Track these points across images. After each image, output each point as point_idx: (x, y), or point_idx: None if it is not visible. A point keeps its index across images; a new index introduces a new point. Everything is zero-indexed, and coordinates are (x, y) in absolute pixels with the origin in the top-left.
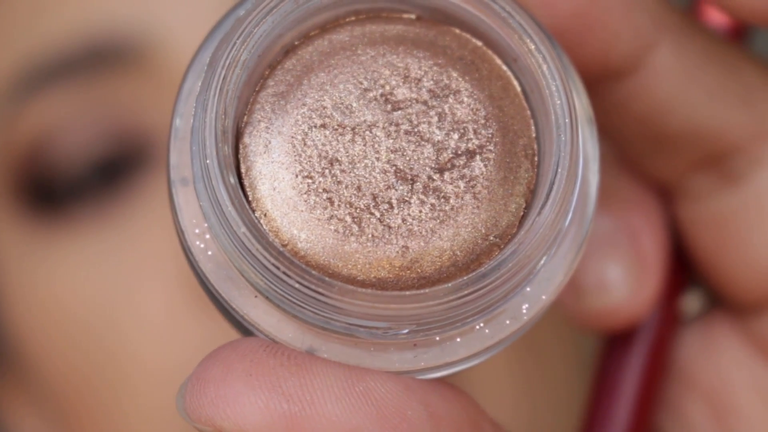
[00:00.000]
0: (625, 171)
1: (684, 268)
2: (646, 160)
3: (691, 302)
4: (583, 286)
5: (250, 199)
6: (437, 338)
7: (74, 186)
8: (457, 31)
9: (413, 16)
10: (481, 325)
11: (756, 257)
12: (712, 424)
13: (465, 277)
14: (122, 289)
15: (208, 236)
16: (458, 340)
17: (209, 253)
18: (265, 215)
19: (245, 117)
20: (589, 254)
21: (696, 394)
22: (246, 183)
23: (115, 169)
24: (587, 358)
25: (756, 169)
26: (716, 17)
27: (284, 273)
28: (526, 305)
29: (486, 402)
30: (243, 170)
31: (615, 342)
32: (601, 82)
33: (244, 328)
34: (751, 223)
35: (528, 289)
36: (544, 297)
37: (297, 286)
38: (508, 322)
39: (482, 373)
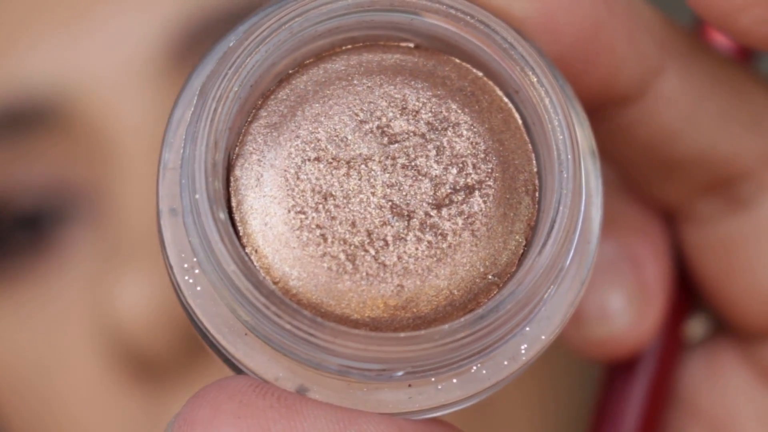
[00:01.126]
0: (629, 196)
1: (689, 293)
2: (651, 185)
3: (696, 327)
4: (585, 314)
5: (240, 234)
6: (433, 379)
7: None
8: (457, 60)
9: (412, 45)
10: (479, 365)
11: (762, 284)
12: None
13: (462, 319)
14: (48, 343)
15: (197, 271)
16: (455, 381)
17: (198, 288)
18: (256, 251)
19: (237, 149)
20: (592, 282)
21: (700, 422)
22: (237, 218)
23: (40, 224)
24: (589, 386)
25: (764, 195)
26: (722, 41)
27: (274, 313)
28: (525, 345)
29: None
30: (234, 204)
31: (618, 369)
32: (606, 107)
33: (234, 366)
34: (758, 249)
35: (527, 329)
36: (543, 337)
37: (288, 327)
38: (506, 363)
39: (481, 402)
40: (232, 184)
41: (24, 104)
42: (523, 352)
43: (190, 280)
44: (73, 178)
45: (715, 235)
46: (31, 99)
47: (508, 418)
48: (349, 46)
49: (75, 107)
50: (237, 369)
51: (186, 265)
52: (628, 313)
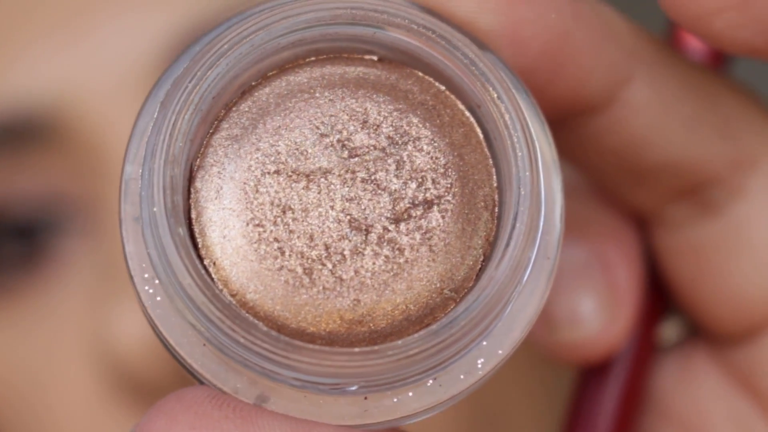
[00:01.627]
0: (600, 200)
1: (661, 297)
2: (622, 191)
3: (669, 331)
4: (555, 318)
5: (199, 246)
6: (388, 393)
7: None
8: (420, 74)
9: (375, 58)
10: (434, 379)
11: (734, 288)
12: None
13: (416, 335)
14: (43, 357)
15: (156, 281)
16: (410, 394)
17: (158, 299)
18: (214, 264)
19: (198, 160)
20: (562, 286)
21: (672, 425)
22: (196, 229)
23: (35, 237)
24: (561, 391)
25: (735, 200)
26: (695, 45)
27: (229, 326)
28: (482, 360)
29: None
30: (194, 216)
31: (590, 373)
32: (574, 116)
33: (194, 376)
34: (729, 253)
35: (484, 343)
36: (500, 351)
37: (242, 341)
38: (462, 377)
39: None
40: (192, 196)
41: (18, 117)
42: (479, 366)
43: (150, 290)
44: (68, 191)
45: (686, 240)
46: (26, 112)
47: (472, 425)
48: (313, 58)
49: (70, 120)
50: (198, 379)
51: (146, 275)
52: (599, 318)
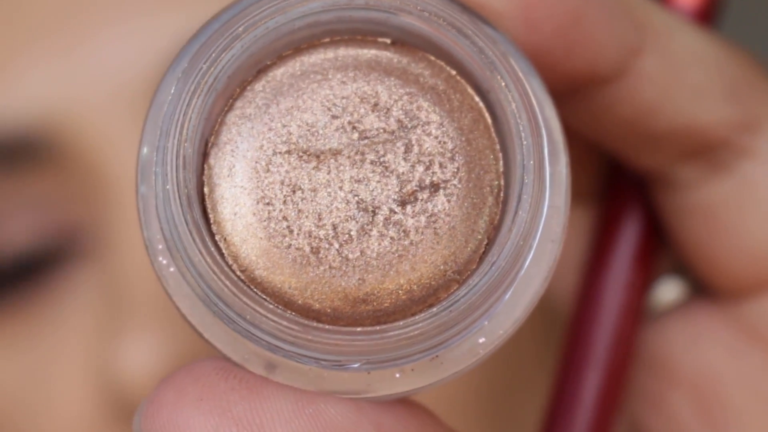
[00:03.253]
0: None
1: (649, 264)
2: (631, 156)
3: (668, 292)
4: None
5: (211, 222)
6: (391, 369)
7: None
8: (432, 57)
9: (388, 41)
10: (436, 357)
11: (744, 243)
12: (699, 418)
13: (417, 316)
14: (45, 383)
15: (170, 254)
16: (412, 370)
17: (171, 269)
18: (224, 240)
19: (212, 137)
20: None
21: (681, 389)
22: (208, 206)
23: (35, 262)
24: (548, 361)
25: (743, 160)
26: (683, 2)
27: (237, 303)
28: (483, 339)
29: (446, 411)
30: (206, 192)
31: (573, 346)
32: (585, 89)
33: (206, 342)
34: (739, 211)
35: (486, 323)
36: (501, 331)
37: (249, 317)
38: (463, 354)
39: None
40: (206, 173)
41: (16, 138)
42: (480, 344)
43: (164, 261)
44: (69, 213)
45: (696, 198)
46: (23, 132)
47: (464, 400)
48: (327, 39)
49: (69, 142)
50: (210, 346)
51: (160, 247)
52: None
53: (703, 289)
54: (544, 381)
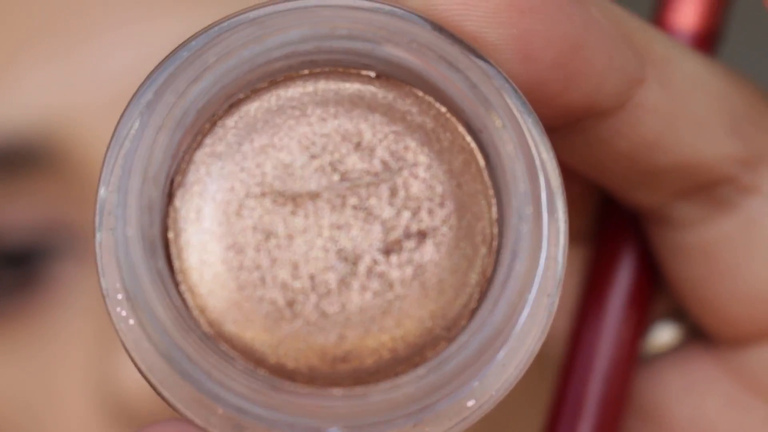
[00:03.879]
0: None
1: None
2: (629, 192)
3: (662, 338)
4: None
5: (176, 270)
6: None
7: None
8: (420, 93)
9: (373, 74)
10: (420, 422)
11: (747, 286)
12: None
13: (402, 378)
14: (40, 385)
15: (129, 305)
16: None
17: (131, 322)
18: (191, 290)
19: (179, 177)
20: None
21: None
22: (173, 252)
23: (31, 264)
24: (539, 408)
25: (746, 197)
26: (682, 27)
27: (204, 361)
28: (472, 401)
29: None
30: (171, 237)
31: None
32: (584, 121)
33: (168, 404)
34: (742, 251)
35: (476, 383)
36: (493, 392)
37: (216, 376)
38: (450, 419)
39: None
40: (170, 216)
41: (12, 142)
42: (470, 407)
43: (123, 313)
44: (64, 216)
45: (695, 237)
46: (19, 137)
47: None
48: (307, 72)
49: (69, 147)
50: (172, 408)
51: (119, 296)
52: None
53: (701, 334)
54: (533, 427)
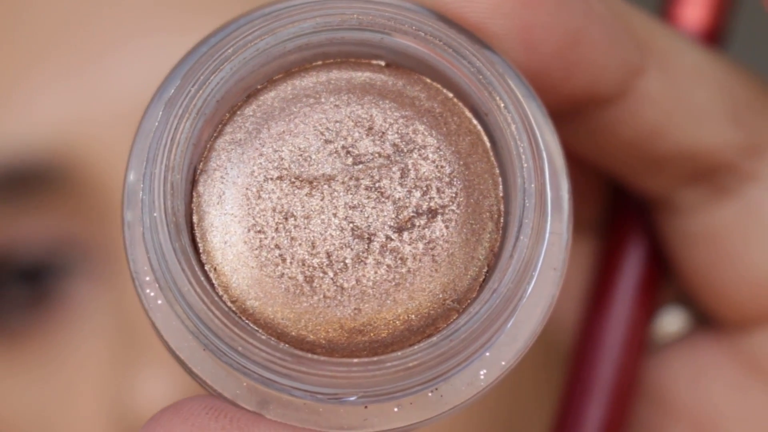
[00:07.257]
0: None
1: (654, 293)
2: (634, 179)
3: (670, 324)
4: None
5: (200, 251)
6: (389, 402)
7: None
8: (428, 80)
9: (383, 63)
10: (435, 390)
11: (750, 271)
12: None
13: (416, 347)
14: (55, 405)
15: (157, 285)
16: (411, 404)
17: (159, 302)
18: (215, 269)
19: (201, 164)
20: None
21: (681, 422)
22: (197, 234)
23: (43, 281)
24: (550, 395)
25: (748, 184)
26: (689, 21)
27: (228, 335)
28: (484, 371)
29: None
30: (195, 220)
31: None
32: (587, 109)
33: (195, 379)
34: (745, 237)
35: (487, 354)
36: (503, 363)
37: (240, 349)
38: (464, 387)
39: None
40: (194, 200)
41: (23, 160)
42: (482, 377)
43: (151, 293)
44: (76, 233)
45: (700, 225)
46: (30, 155)
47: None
48: (320, 62)
49: (75, 162)
50: (199, 382)
51: (148, 278)
52: None
53: (707, 319)
54: (545, 414)
